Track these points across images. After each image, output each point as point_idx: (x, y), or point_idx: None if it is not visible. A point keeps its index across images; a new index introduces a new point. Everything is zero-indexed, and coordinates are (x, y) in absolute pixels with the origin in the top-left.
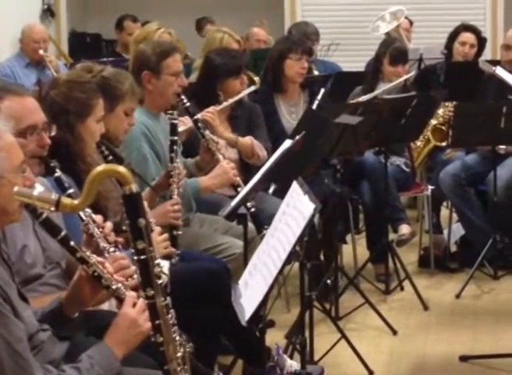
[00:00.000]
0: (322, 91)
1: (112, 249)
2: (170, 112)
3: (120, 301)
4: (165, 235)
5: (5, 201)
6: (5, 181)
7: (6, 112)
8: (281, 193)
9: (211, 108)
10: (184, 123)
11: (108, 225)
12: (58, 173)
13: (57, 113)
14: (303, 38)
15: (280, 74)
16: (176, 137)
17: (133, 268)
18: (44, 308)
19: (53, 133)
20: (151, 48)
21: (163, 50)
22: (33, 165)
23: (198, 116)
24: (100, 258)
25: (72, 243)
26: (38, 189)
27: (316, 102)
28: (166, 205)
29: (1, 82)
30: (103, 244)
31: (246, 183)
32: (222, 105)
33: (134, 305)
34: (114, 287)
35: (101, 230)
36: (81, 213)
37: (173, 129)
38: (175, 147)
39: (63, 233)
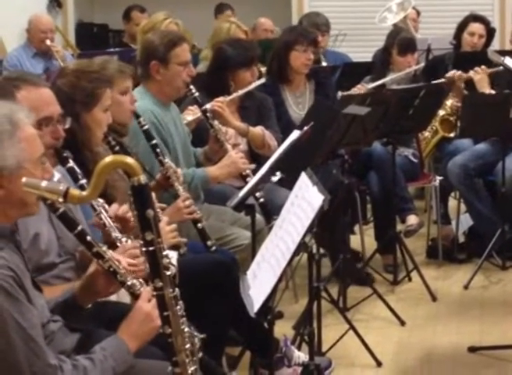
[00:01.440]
0: None
1: (124, 239)
2: (139, 120)
3: (135, 297)
4: (174, 225)
5: (24, 192)
6: (26, 172)
7: (23, 102)
8: (289, 184)
9: (221, 98)
10: (193, 113)
11: (123, 208)
12: (71, 163)
13: (63, 102)
14: (311, 29)
15: (286, 65)
16: (154, 141)
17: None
18: (57, 298)
19: (67, 126)
20: (158, 38)
21: (171, 39)
22: (48, 156)
23: (208, 105)
24: (115, 254)
25: (88, 238)
26: (57, 177)
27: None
28: (178, 202)
29: (18, 72)
30: (115, 234)
31: (255, 174)
32: (232, 96)
33: (149, 300)
34: (129, 283)
35: (113, 220)
36: (94, 203)
37: (148, 135)
38: (157, 150)
39: (80, 228)
